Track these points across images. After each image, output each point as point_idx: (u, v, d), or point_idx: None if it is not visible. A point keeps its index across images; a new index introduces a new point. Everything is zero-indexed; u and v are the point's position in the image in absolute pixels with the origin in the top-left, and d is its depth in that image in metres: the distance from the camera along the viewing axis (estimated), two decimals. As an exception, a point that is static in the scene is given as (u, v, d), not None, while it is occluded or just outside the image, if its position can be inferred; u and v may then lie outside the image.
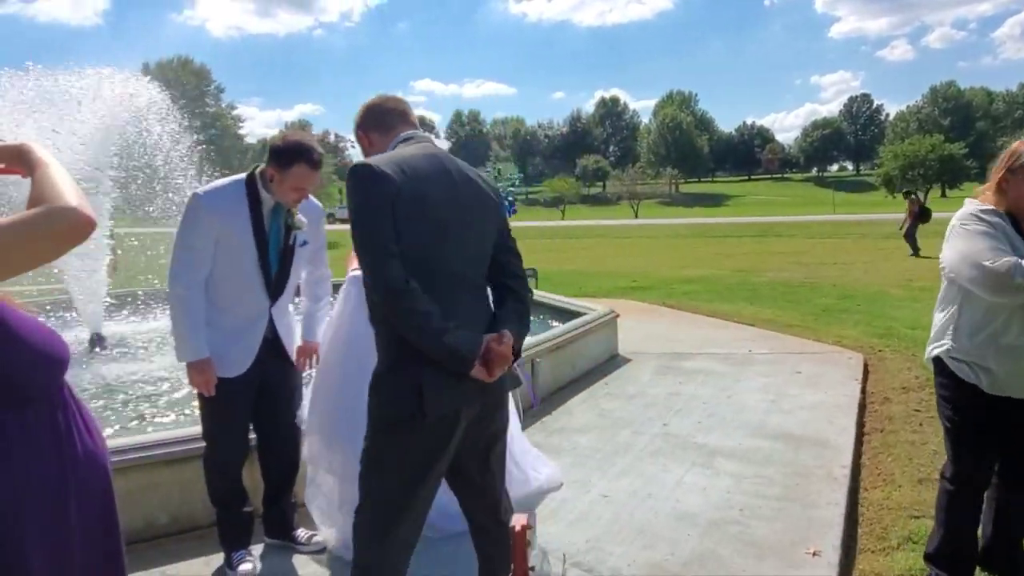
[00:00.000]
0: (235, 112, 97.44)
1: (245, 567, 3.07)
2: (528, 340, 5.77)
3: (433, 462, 2.06)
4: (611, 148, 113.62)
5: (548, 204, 79.66)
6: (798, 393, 5.53)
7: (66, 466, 1.42)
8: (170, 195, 8.44)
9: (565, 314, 7.61)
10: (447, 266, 2.06)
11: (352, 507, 3.19)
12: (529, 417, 5.13)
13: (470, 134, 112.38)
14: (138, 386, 5.83)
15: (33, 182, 1.32)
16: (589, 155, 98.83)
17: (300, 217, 3.06)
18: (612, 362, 6.76)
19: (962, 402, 2.70)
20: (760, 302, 10.79)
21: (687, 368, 6.46)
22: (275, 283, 3.08)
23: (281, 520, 3.33)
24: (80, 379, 6.27)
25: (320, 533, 3.33)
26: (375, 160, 2.03)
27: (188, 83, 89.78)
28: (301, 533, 3.33)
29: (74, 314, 8.23)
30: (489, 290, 2.27)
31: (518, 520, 1.53)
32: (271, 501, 3.35)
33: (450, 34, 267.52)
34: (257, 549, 3.29)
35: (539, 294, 9.01)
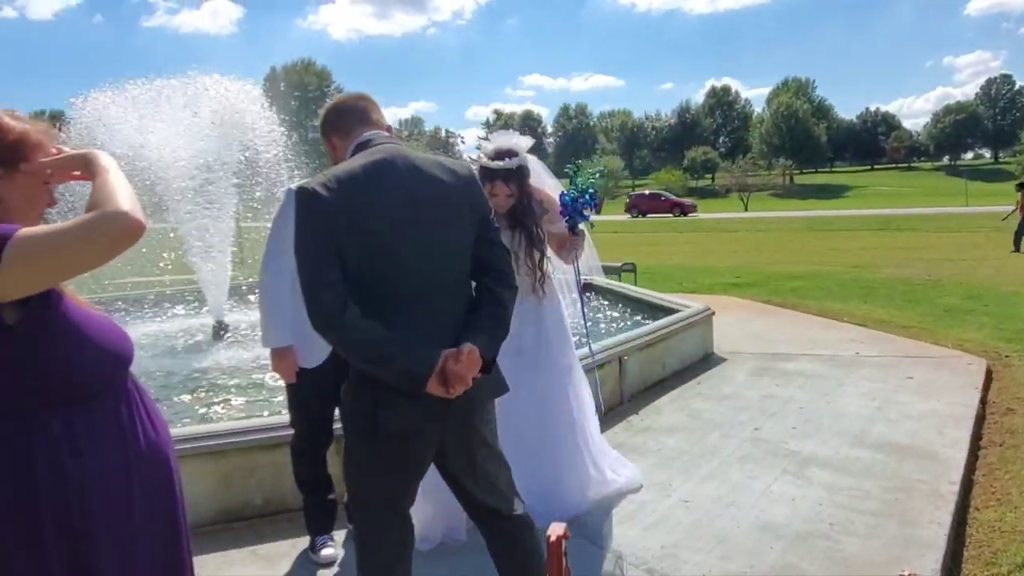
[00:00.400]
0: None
1: (327, 552, 3.19)
2: (616, 337, 5.71)
3: (394, 472, 2.07)
4: (721, 139, 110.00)
5: (654, 197, 78.19)
6: (907, 400, 5.15)
7: (130, 460, 1.50)
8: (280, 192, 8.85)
9: (659, 311, 7.43)
10: (401, 283, 1.98)
11: (430, 500, 3.28)
12: (615, 416, 5.06)
13: (576, 128, 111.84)
14: (255, 373, 6.19)
15: (93, 187, 1.41)
16: (697, 147, 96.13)
17: None
18: (706, 361, 6.55)
19: None
20: (875, 300, 10.14)
21: (786, 370, 6.17)
22: None
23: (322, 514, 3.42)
24: (201, 364, 6.74)
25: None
26: (312, 181, 1.97)
27: (311, 84, 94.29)
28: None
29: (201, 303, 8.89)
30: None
31: (555, 530, 1.50)
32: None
33: (559, 28, 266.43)
34: (341, 535, 3.41)
35: (633, 289, 8.87)
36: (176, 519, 1.63)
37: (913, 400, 5.15)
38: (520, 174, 3.37)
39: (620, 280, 11.80)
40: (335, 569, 3.16)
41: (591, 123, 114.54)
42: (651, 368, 5.82)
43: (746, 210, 60.68)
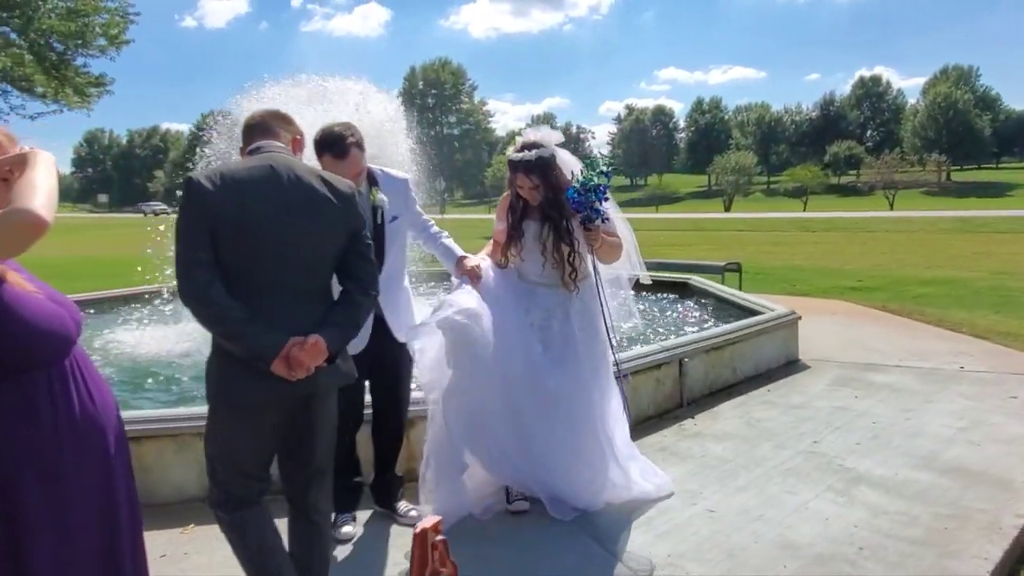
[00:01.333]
0: (486, 107, 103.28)
1: (346, 529, 3.34)
2: (677, 339, 5.53)
3: (239, 441, 2.31)
4: (868, 133, 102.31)
5: (790, 194, 74.29)
6: (1000, 422, 4.65)
7: (61, 430, 1.66)
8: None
9: (746, 312, 7.11)
10: (267, 274, 2.20)
11: (446, 488, 3.35)
12: (670, 419, 4.92)
13: (710, 122, 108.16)
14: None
15: (15, 185, 1.57)
16: (841, 141, 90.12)
17: (381, 196, 3.27)
18: (787, 368, 6.19)
19: None
20: (1009, 311, 9.19)
21: (873, 381, 5.72)
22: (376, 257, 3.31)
23: (386, 491, 3.56)
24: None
25: (419, 508, 3.50)
26: (201, 173, 2.18)
27: (446, 82, 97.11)
28: (402, 506, 3.54)
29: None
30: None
31: (425, 523, 1.50)
32: (379, 472, 3.59)
33: (696, 20, 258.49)
34: (365, 515, 3.55)
35: (722, 290, 8.52)
36: (113, 490, 1.77)
37: (1007, 422, 4.64)
38: (542, 166, 3.37)
39: (723, 280, 11.37)
40: (349, 547, 3.29)
41: (725, 117, 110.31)
42: (719, 372, 5.59)
43: (891, 209, 56.38)
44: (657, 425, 4.80)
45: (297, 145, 2.54)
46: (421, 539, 1.49)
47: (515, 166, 3.39)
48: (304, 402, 2.31)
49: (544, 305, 3.46)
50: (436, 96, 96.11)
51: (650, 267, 12.97)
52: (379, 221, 3.29)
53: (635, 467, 3.69)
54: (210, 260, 2.13)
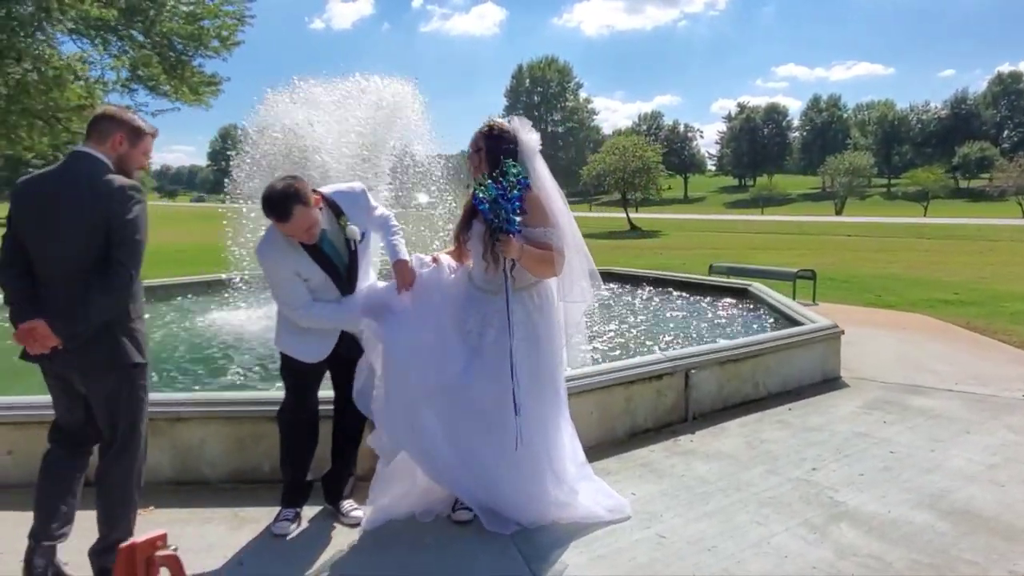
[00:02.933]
0: (591, 105, 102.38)
1: (279, 526, 3.32)
2: (683, 349, 5.21)
3: (54, 399, 2.92)
4: (1004, 133, 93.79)
5: (910, 198, 69.21)
6: (1041, 461, 4.08)
7: None
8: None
9: (790, 322, 6.63)
10: (39, 264, 2.73)
11: (392, 487, 3.29)
12: (667, 433, 4.64)
13: (826, 121, 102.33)
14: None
15: None
16: (972, 141, 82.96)
17: (351, 227, 3.26)
18: (821, 386, 5.71)
19: None
20: (1116, 338, 8.12)
21: (911, 406, 5.18)
22: (348, 283, 3.33)
23: (333, 487, 3.53)
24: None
25: (363, 508, 3.45)
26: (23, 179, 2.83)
27: (552, 80, 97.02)
28: (347, 505, 3.49)
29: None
30: None
31: (138, 538, 1.41)
32: (332, 467, 3.56)
33: (820, 14, 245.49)
34: (314, 511, 3.53)
35: (773, 297, 7.96)
36: None
37: (1049, 462, 4.07)
38: (493, 138, 3.29)
39: (794, 288, 10.70)
40: (280, 543, 3.26)
41: (844, 116, 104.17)
42: (736, 386, 5.22)
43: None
44: (651, 439, 4.54)
45: (119, 142, 2.84)
46: (127, 555, 1.40)
47: (477, 131, 3.33)
48: (70, 372, 2.79)
49: (483, 312, 3.29)
50: (541, 94, 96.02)
51: (718, 271, 12.50)
52: (352, 248, 3.29)
53: (587, 487, 3.47)
54: (10, 247, 2.77)
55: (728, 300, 9.01)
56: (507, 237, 3.10)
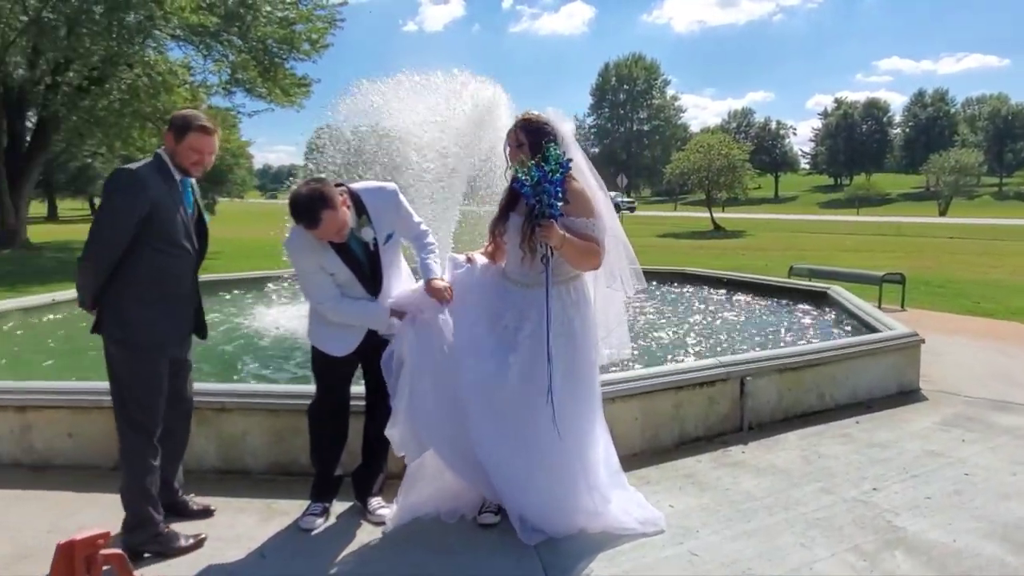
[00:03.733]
0: (678, 103, 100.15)
1: (306, 520, 3.32)
2: (742, 355, 4.91)
3: None
4: None
5: (1024, 198, 64.17)
6: None
7: None
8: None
9: (867, 329, 6.18)
10: None
11: (421, 485, 3.24)
12: (718, 443, 4.39)
13: (932, 116, 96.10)
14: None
15: None
16: (1098, 138, 76.01)
17: (367, 229, 3.22)
18: (897, 398, 5.27)
19: None
20: None
21: (996, 424, 4.71)
22: (373, 282, 3.29)
23: (362, 484, 3.50)
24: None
25: (389, 506, 3.41)
26: None
27: (639, 78, 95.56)
28: (374, 502, 3.45)
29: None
30: None
31: (78, 534, 1.36)
32: (362, 463, 3.54)
33: (927, 4, 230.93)
34: (345, 506, 3.51)
35: (853, 302, 7.44)
36: None
37: None
38: (534, 129, 3.19)
39: (880, 292, 10.03)
40: (304, 538, 3.25)
41: (951, 111, 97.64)
42: (798, 396, 4.89)
43: None
44: (700, 448, 4.30)
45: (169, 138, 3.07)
46: (65, 552, 1.36)
47: (513, 125, 3.25)
48: None
49: (519, 306, 3.17)
50: (627, 92, 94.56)
51: (799, 273, 11.89)
52: (372, 249, 3.25)
53: (619, 496, 3.30)
54: None
55: (804, 304, 8.53)
56: (549, 222, 2.99)
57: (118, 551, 1.42)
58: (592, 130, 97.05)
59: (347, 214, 3.11)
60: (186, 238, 3.12)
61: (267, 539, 3.21)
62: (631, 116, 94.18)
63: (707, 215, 38.33)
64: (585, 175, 3.28)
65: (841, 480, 3.82)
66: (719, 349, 6.18)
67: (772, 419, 4.74)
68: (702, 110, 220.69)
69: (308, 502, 3.44)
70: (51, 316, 7.61)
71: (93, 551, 1.37)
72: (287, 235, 3.26)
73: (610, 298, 3.34)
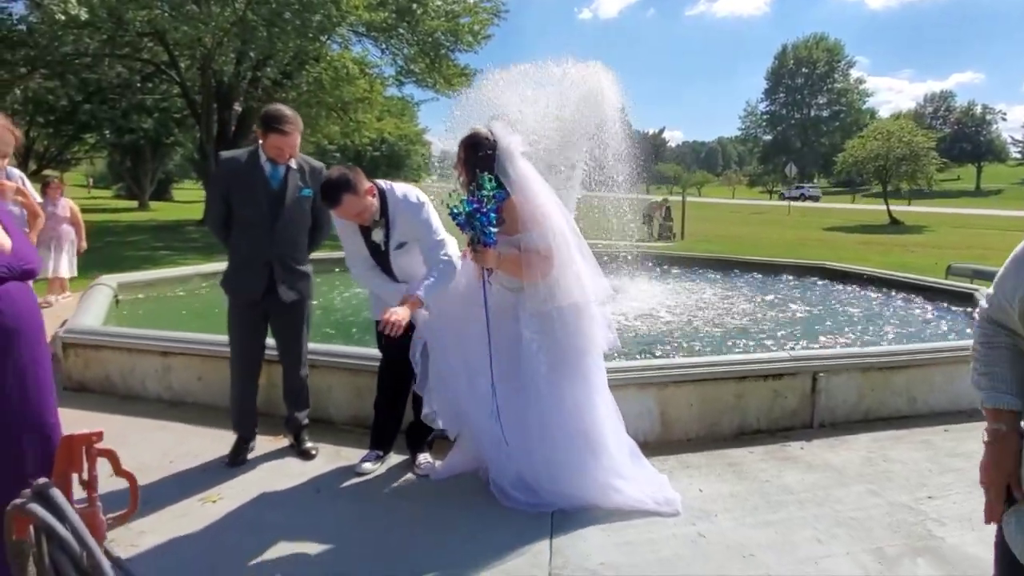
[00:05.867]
0: (863, 86, 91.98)
1: (361, 466, 3.73)
2: (815, 351, 4.69)
3: None
4: None
5: None
6: None
7: None
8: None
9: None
10: None
11: (456, 451, 3.55)
12: (779, 437, 4.27)
13: None
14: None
15: None
16: None
17: (377, 231, 3.54)
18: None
19: None
20: None
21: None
22: (386, 272, 3.63)
23: (412, 439, 3.85)
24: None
25: (434, 462, 3.73)
26: None
27: (819, 60, 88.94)
28: (421, 457, 3.78)
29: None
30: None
31: (78, 432, 1.72)
32: (412, 423, 3.88)
33: None
34: (399, 458, 3.89)
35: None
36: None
37: None
38: (470, 145, 3.34)
39: None
40: (355, 480, 3.65)
41: None
42: (882, 398, 4.58)
43: None
44: (758, 440, 4.21)
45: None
46: (65, 445, 1.76)
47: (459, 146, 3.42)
48: None
49: (503, 305, 3.34)
50: (805, 76, 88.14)
51: (959, 273, 10.83)
52: (382, 249, 3.57)
53: (639, 476, 3.39)
54: None
55: (945, 304, 7.81)
56: (484, 249, 3.16)
57: (109, 447, 1.83)
58: (764, 117, 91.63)
59: (372, 203, 3.42)
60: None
61: (326, 477, 3.65)
62: (808, 101, 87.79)
63: (884, 208, 35.18)
64: (528, 186, 3.32)
65: (896, 485, 3.61)
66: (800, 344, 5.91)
67: (849, 419, 4.50)
68: (897, 94, 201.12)
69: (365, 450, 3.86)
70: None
71: (88, 444, 1.79)
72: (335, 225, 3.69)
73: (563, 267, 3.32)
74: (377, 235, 3.54)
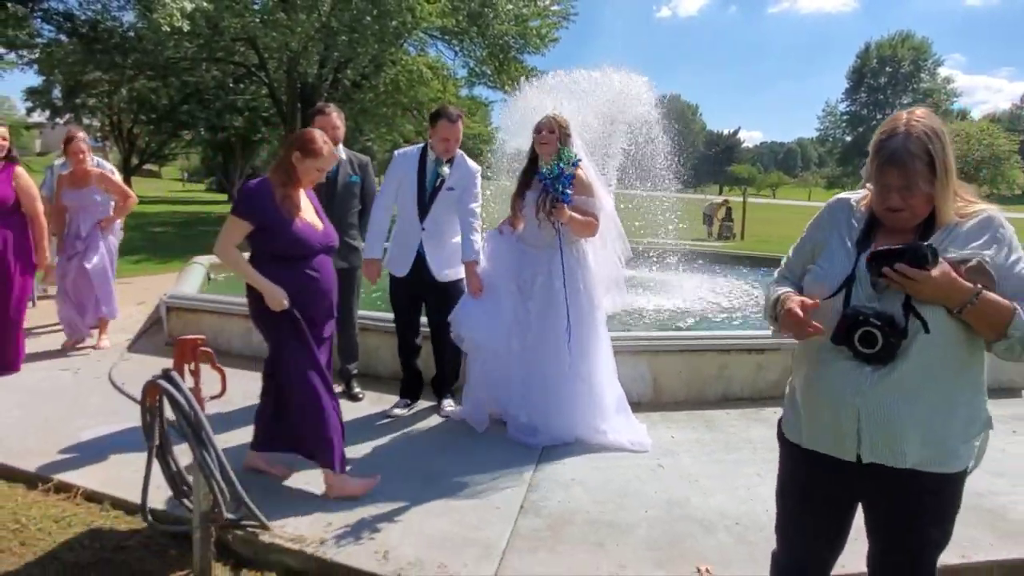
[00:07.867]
0: (951, 86, 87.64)
1: (393, 410, 4.55)
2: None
3: None
4: None
5: None
6: None
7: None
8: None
9: None
10: None
11: (472, 394, 4.32)
12: (760, 404, 4.84)
13: None
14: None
15: None
16: None
17: (444, 168, 4.29)
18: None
19: None
20: None
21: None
22: (424, 207, 4.32)
23: (437, 387, 4.65)
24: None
25: (455, 407, 4.52)
26: None
27: (904, 59, 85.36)
28: (446, 402, 4.58)
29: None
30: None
31: (187, 336, 2.54)
32: (436, 371, 4.67)
33: None
34: (424, 404, 4.69)
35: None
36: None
37: None
38: (560, 136, 4.06)
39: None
40: (385, 421, 4.47)
41: None
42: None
43: None
44: (739, 406, 4.78)
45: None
46: (180, 344, 2.59)
47: (542, 121, 4.10)
48: None
49: (533, 264, 4.07)
50: (889, 75, 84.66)
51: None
52: (437, 185, 4.32)
53: (620, 421, 4.08)
54: None
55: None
56: (561, 206, 3.87)
57: (208, 349, 2.66)
58: (844, 117, 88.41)
59: (459, 134, 4.25)
60: None
61: (366, 418, 4.49)
62: (891, 101, 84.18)
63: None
64: (587, 168, 4.11)
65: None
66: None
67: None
68: (995, 93, 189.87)
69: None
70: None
71: (194, 345, 2.62)
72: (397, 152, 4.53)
73: (605, 261, 4.14)
74: (444, 170, 4.28)
